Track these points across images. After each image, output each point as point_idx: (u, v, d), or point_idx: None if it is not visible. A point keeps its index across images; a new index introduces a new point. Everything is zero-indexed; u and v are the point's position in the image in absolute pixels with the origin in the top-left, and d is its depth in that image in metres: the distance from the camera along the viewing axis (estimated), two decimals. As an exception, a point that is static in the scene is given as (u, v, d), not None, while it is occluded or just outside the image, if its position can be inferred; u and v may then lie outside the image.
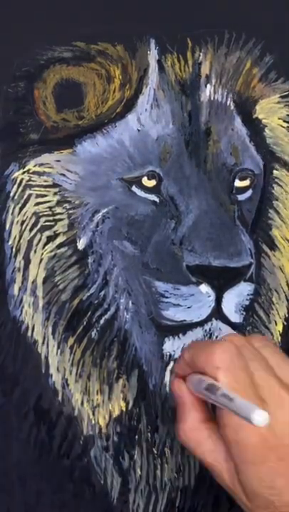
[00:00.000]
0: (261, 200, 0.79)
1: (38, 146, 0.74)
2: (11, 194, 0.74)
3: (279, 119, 0.79)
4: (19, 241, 0.74)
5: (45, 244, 0.74)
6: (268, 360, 0.63)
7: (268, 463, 0.58)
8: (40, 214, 0.74)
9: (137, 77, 0.74)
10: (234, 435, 0.59)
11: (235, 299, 0.74)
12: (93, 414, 0.74)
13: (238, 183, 0.77)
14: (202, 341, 0.73)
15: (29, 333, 0.74)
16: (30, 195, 0.74)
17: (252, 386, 0.59)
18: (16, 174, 0.74)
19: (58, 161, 0.74)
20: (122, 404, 0.75)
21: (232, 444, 0.59)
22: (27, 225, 0.74)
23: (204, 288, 0.73)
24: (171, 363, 0.75)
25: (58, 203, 0.74)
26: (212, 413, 0.64)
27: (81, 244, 0.74)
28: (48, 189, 0.74)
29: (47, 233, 0.74)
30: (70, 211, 0.74)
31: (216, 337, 0.74)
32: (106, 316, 0.74)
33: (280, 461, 0.58)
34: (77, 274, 0.74)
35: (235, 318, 0.74)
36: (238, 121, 0.77)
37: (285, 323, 0.79)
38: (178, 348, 0.74)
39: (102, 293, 0.74)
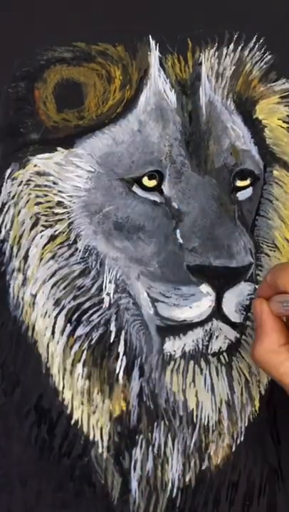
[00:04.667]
0: (261, 200, 0.79)
1: (39, 146, 0.74)
2: (11, 194, 0.74)
3: (279, 119, 0.79)
4: (19, 241, 0.74)
5: (45, 244, 0.74)
6: None
7: None
8: (40, 214, 0.74)
9: (138, 78, 0.74)
10: None
11: (235, 298, 0.74)
12: (94, 413, 0.74)
13: (238, 183, 0.77)
14: (285, 263, 0.72)
15: (29, 334, 0.74)
16: (30, 195, 0.74)
17: None
18: (16, 174, 0.74)
19: (59, 161, 0.74)
20: (122, 404, 0.75)
21: None
22: (27, 225, 0.74)
23: (204, 288, 0.73)
24: (172, 363, 0.75)
25: (58, 203, 0.74)
26: None
27: (81, 244, 0.74)
28: (48, 189, 0.74)
29: (47, 233, 0.74)
30: (70, 211, 0.74)
31: (216, 337, 0.75)
32: (106, 316, 0.74)
33: None
34: (77, 274, 0.74)
35: (236, 317, 0.74)
36: (238, 122, 0.77)
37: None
38: (178, 348, 0.74)
39: (102, 293, 0.74)
